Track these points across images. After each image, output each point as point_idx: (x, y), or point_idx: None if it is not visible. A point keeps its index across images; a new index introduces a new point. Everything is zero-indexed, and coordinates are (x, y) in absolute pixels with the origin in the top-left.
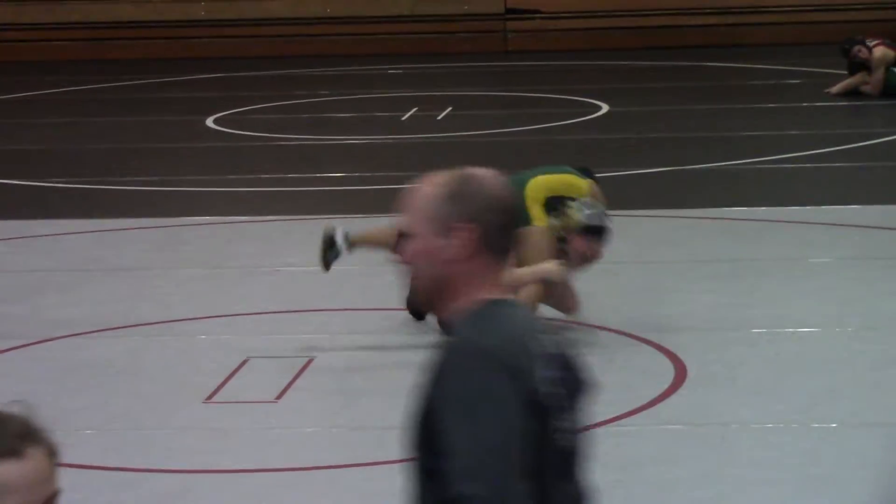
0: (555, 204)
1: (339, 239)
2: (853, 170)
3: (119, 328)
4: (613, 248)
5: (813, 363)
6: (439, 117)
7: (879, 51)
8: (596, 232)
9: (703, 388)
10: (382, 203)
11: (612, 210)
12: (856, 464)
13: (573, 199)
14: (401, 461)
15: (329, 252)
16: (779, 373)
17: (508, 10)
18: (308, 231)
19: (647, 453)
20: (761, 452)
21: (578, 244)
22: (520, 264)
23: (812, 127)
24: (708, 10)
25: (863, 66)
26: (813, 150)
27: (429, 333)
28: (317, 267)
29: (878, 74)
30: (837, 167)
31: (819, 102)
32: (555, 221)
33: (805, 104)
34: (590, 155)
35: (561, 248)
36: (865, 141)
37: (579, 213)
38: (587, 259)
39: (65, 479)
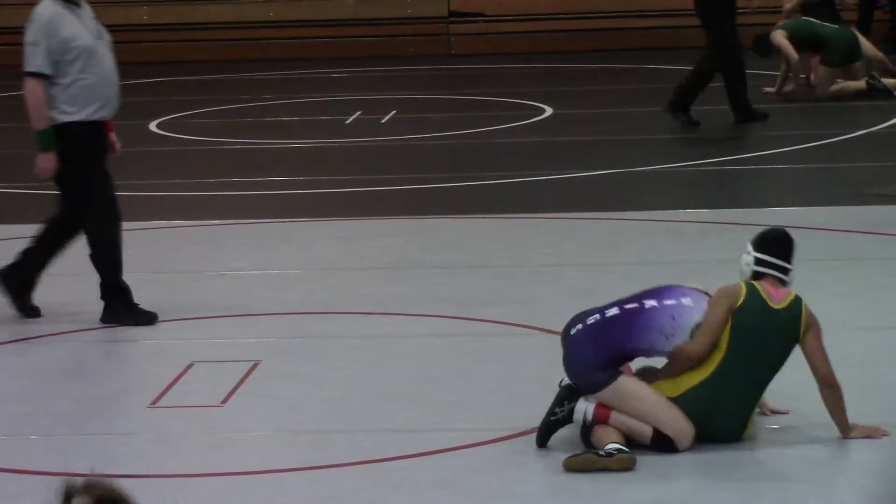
0: None
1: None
2: (798, 171)
3: (63, 333)
4: (559, 251)
5: None
6: (383, 121)
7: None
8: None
9: None
10: (326, 207)
11: (558, 213)
12: (801, 465)
13: None
14: (346, 465)
15: (558, 409)
16: None
17: (452, 13)
18: (252, 235)
19: None
20: (709, 455)
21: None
22: None
23: (757, 129)
24: (651, 13)
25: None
26: (758, 151)
27: (370, 338)
28: (260, 271)
29: None
30: (782, 169)
31: (763, 104)
32: None
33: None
34: (534, 158)
35: None
36: (810, 143)
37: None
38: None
39: (9, 484)
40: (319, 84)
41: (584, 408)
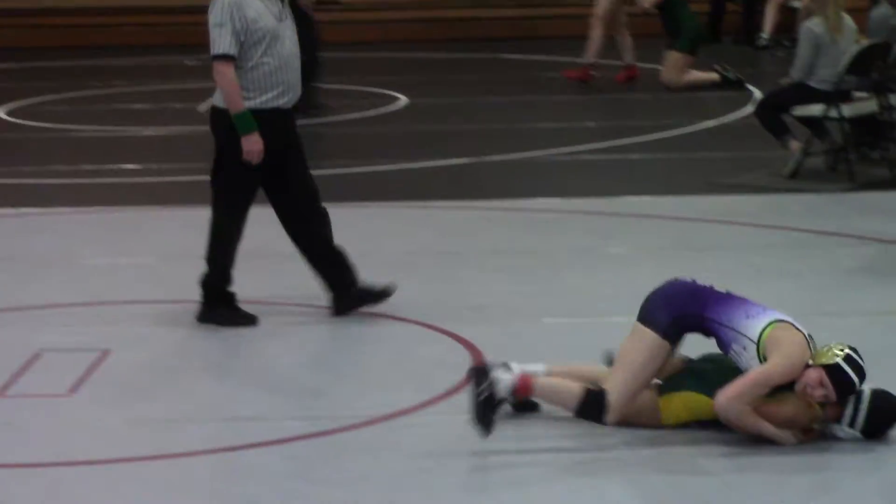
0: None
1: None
2: (648, 161)
3: None
4: (411, 239)
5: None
6: None
7: None
8: (844, 388)
9: None
10: (178, 194)
11: (411, 201)
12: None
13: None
14: (196, 453)
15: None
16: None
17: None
18: (102, 223)
19: (447, 442)
20: (556, 443)
21: (813, 379)
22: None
23: (609, 118)
24: (506, 3)
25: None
26: (610, 141)
27: (221, 328)
28: (111, 259)
29: None
30: (633, 159)
31: (616, 94)
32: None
33: (602, 96)
34: (390, 146)
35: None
36: (661, 132)
37: (839, 359)
38: (810, 393)
39: None
40: (172, 71)
41: (506, 379)
